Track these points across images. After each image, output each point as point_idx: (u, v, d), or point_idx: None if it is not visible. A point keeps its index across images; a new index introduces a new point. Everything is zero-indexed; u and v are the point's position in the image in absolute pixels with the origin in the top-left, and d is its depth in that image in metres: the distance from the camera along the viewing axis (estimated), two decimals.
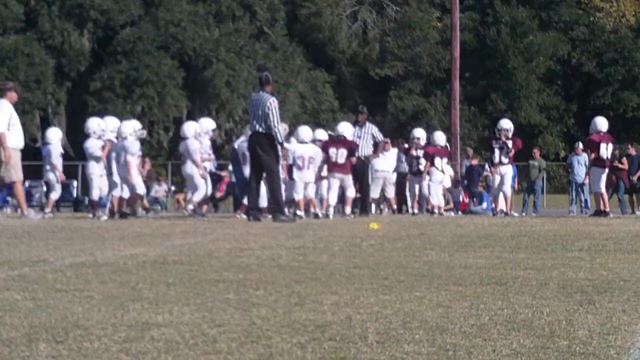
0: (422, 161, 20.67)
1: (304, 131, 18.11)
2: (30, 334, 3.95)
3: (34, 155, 30.39)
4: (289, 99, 47.33)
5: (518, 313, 4.56)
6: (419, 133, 21.54)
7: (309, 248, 8.70)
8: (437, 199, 20.57)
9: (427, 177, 20.62)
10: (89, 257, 7.52)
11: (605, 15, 57.41)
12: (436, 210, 20.40)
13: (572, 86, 57.35)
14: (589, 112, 52.15)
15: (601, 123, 18.93)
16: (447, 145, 22.17)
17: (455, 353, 3.57)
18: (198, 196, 17.61)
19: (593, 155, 18.89)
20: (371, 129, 19.01)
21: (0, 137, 14.74)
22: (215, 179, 26.70)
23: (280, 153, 15.32)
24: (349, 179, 17.85)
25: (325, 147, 18.06)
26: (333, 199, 17.94)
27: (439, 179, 20.58)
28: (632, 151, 26.51)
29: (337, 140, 18.00)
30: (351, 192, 18.02)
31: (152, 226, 12.83)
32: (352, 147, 18.01)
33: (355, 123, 19.11)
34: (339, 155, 17.76)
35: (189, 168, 17.71)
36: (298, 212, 17.11)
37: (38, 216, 15.72)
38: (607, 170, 18.87)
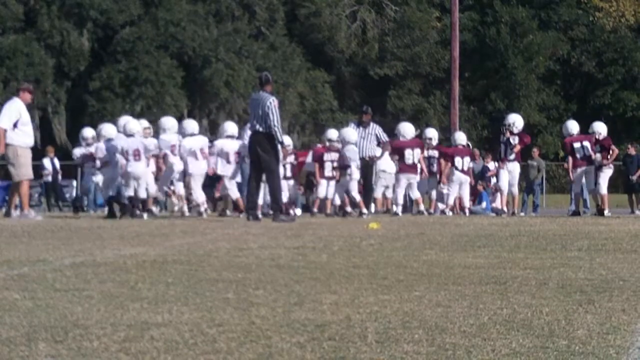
0: (434, 161, 20.53)
1: (350, 133, 18.58)
2: (29, 333, 3.95)
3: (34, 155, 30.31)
4: (288, 98, 47.30)
5: (517, 313, 4.56)
6: (431, 133, 21.31)
7: (309, 248, 8.70)
8: (448, 200, 20.50)
9: (435, 177, 20.55)
10: (89, 257, 7.53)
11: (605, 15, 57.38)
12: (432, 211, 20.39)
13: (572, 86, 57.33)
14: (589, 112, 52.17)
15: (571, 126, 19.38)
16: (469, 144, 21.93)
17: (455, 353, 3.57)
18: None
19: (571, 158, 19.06)
20: (375, 129, 18.97)
21: (0, 133, 14.88)
22: (215, 179, 26.70)
23: (280, 152, 15.33)
24: (416, 180, 19.24)
25: (400, 148, 18.99)
26: (401, 198, 19.38)
27: (457, 179, 20.33)
28: (632, 151, 26.50)
29: (410, 141, 19.13)
30: (417, 193, 19.42)
31: (151, 226, 12.83)
32: (422, 146, 19.53)
33: (359, 123, 19.10)
34: (415, 155, 18.92)
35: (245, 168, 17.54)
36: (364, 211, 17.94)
37: (38, 217, 15.74)
38: (585, 168, 18.91)
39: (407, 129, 19.58)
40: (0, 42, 45.74)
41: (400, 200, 19.42)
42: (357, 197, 17.92)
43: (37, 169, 28.76)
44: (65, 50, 46.79)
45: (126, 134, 16.91)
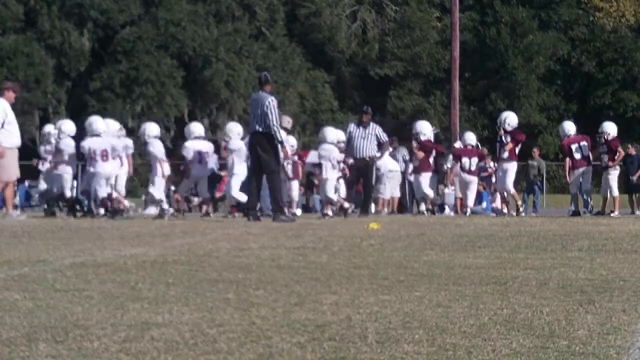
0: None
1: (328, 132, 18.95)
2: (30, 333, 3.95)
3: (31, 156, 30.26)
4: (289, 99, 47.33)
5: (518, 313, 4.56)
6: (420, 128, 21.21)
7: (309, 248, 8.70)
8: (452, 199, 20.53)
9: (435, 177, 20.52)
10: (89, 257, 7.53)
11: (605, 15, 57.38)
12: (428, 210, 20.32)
13: (572, 86, 57.34)
14: (589, 112, 52.14)
15: (568, 127, 19.54)
16: (479, 144, 21.91)
17: (455, 353, 3.57)
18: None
19: (569, 160, 19.13)
20: (375, 130, 18.94)
21: None
22: (215, 179, 26.69)
23: (280, 152, 15.31)
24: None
25: (431, 148, 19.78)
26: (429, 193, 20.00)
27: (462, 180, 20.25)
28: (632, 151, 26.48)
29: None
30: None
31: (151, 226, 12.83)
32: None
33: (359, 123, 19.06)
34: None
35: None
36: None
37: (22, 217, 15.72)
38: (584, 169, 18.96)
39: (425, 128, 19.97)
40: (1, 42, 45.76)
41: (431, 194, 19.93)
42: (334, 197, 17.97)
43: (37, 170, 28.72)
44: (66, 50, 46.81)
45: (92, 134, 16.86)
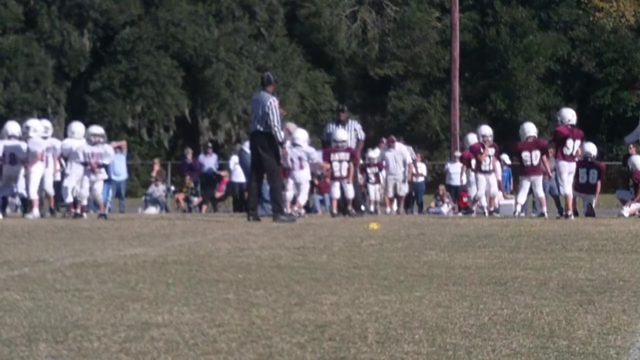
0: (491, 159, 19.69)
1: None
2: (30, 334, 3.95)
3: None
4: (289, 99, 47.30)
5: (518, 313, 4.56)
6: (487, 130, 19.97)
7: (309, 248, 8.70)
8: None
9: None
10: (89, 257, 7.53)
11: (605, 15, 57.35)
12: (492, 209, 19.92)
13: (572, 86, 57.32)
14: (589, 112, 52.09)
15: (529, 128, 18.80)
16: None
17: (455, 353, 3.58)
18: (304, 199, 18.07)
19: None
20: (354, 125, 18.95)
21: None
22: (215, 179, 26.71)
23: (280, 153, 15.30)
24: (539, 180, 18.12)
25: (519, 149, 18.09)
26: (522, 199, 18.42)
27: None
28: (633, 151, 26.47)
29: (531, 142, 17.96)
30: (541, 192, 18.28)
31: (152, 226, 12.84)
32: (544, 147, 17.99)
33: (337, 122, 19.03)
34: (534, 157, 17.80)
35: (307, 174, 17.59)
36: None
37: None
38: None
39: (532, 129, 18.96)
40: (1, 42, 45.73)
41: (522, 201, 19.19)
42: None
43: None
44: (66, 50, 46.79)
45: (7, 136, 16.71)
